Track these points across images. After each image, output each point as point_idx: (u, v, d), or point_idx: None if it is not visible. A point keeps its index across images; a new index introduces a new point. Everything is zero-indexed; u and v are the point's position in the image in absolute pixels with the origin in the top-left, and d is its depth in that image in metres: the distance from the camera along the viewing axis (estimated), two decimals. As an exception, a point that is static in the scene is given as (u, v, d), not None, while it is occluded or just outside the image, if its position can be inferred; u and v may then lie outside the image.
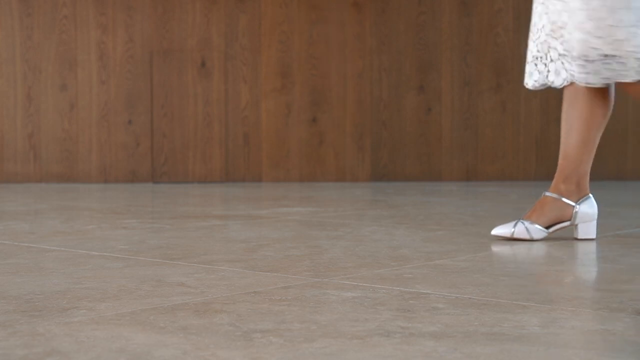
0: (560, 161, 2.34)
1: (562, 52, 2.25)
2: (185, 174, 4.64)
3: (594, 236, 2.30)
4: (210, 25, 4.63)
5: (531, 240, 2.26)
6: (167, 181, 4.63)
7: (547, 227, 2.29)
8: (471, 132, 4.69)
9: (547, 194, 2.30)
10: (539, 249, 2.12)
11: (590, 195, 2.32)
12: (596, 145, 2.36)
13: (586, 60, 2.22)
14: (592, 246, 2.17)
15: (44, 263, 1.91)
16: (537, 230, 2.27)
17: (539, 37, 2.32)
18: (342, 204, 3.26)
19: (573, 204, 2.29)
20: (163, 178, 4.63)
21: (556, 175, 2.33)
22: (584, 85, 2.25)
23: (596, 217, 2.32)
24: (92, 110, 4.60)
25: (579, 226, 2.29)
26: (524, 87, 4.70)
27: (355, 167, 4.68)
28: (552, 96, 4.70)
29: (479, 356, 1.12)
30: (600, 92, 2.31)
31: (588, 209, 2.29)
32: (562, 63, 2.26)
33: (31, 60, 4.59)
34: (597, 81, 2.23)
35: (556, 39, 2.26)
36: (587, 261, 1.92)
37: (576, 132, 2.32)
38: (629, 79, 2.20)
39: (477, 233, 2.44)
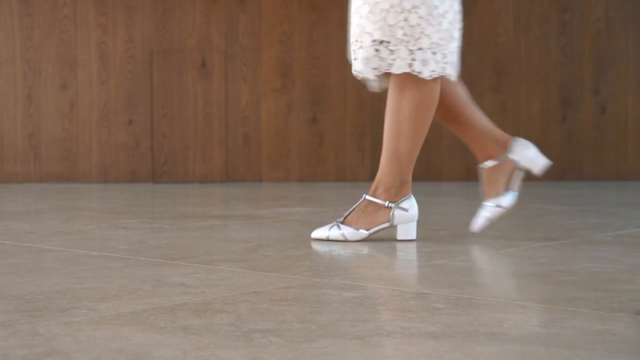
0: (381, 163, 2.30)
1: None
2: (185, 174, 4.64)
3: (413, 237, 2.27)
4: (210, 25, 4.63)
5: (346, 241, 2.25)
6: (167, 181, 4.63)
7: (368, 229, 2.26)
8: (471, 132, 4.69)
9: (367, 197, 2.27)
10: (539, 249, 2.12)
11: (412, 195, 2.29)
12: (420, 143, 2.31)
13: (360, 47, 2.19)
14: (592, 246, 2.17)
15: (44, 263, 1.91)
16: (355, 232, 2.25)
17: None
18: (342, 204, 3.26)
19: (391, 205, 2.26)
20: (163, 178, 4.64)
21: (376, 178, 2.29)
22: (358, 75, 2.21)
23: (416, 217, 2.28)
24: (92, 110, 4.61)
25: (398, 227, 2.27)
26: (524, 87, 4.70)
27: (355, 167, 4.68)
28: (552, 96, 4.70)
29: (479, 356, 1.12)
30: (425, 82, 2.23)
31: (407, 210, 2.26)
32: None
33: (31, 60, 4.59)
34: (367, 71, 2.18)
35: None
36: (586, 261, 1.92)
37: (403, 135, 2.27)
38: (395, 69, 2.16)
39: (477, 233, 2.44)
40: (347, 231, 2.25)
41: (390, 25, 2.16)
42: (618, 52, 4.70)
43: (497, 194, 2.32)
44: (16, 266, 1.87)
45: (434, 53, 2.21)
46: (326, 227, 2.28)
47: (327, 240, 2.25)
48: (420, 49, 2.18)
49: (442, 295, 1.51)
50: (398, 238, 2.26)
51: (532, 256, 2.00)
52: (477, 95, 4.70)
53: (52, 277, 1.71)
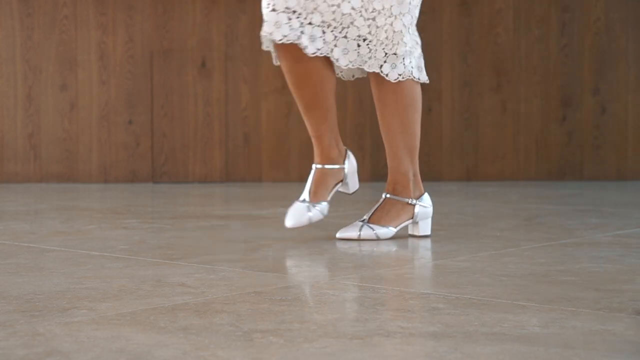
0: (391, 164, 2.35)
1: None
2: (185, 174, 4.64)
3: (430, 232, 2.36)
4: (211, 25, 4.63)
5: (377, 240, 2.28)
6: (167, 181, 4.64)
7: (395, 227, 2.32)
8: (471, 132, 4.69)
9: (389, 196, 2.32)
10: (539, 249, 2.12)
11: (425, 192, 2.38)
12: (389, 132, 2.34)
13: (344, 37, 2.22)
14: (592, 246, 2.18)
15: (44, 263, 1.91)
16: (386, 231, 2.30)
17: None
18: (342, 204, 3.26)
19: (414, 202, 2.33)
20: (163, 178, 4.64)
21: (390, 177, 2.35)
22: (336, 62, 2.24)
23: (431, 213, 2.37)
24: (93, 110, 4.61)
25: (420, 223, 2.35)
26: (524, 87, 4.70)
27: (355, 167, 4.67)
28: (552, 96, 4.70)
29: (479, 356, 1.12)
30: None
31: (426, 206, 2.35)
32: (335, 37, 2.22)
33: (31, 60, 4.59)
34: (343, 62, 2.24)
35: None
36: (586, 261, 1.92)
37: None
38: (367, 67, 2.26)
39: (477, 233, 2.44)
40: (380, 230, 2.28)
41: (378, 27, 2.22)
42: (618, 52, 4.70)
43: (322, 200, 2.30)
44: (16, 266, 1.87)
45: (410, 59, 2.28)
46: (354, 227, 2.29)
47: (359, 239, 2.26)
48: (394, 54, 2.25)
49: (442, 295, 1.51)
50: (420, 234, 2.34)
51: (532, 256, 2.00)
52: (477, 95, 4.71)
53: (52, 277, 1.71)
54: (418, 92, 2.33)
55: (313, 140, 2.33)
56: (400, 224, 2.32)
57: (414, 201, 2.33)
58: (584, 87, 4.70)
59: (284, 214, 2.32)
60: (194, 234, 2.44)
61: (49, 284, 1.63)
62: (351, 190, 2.38)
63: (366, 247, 2.16)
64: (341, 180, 2.35)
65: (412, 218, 2.33)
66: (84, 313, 1.37)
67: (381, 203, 2.32)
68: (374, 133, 4.64)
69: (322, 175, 2.32)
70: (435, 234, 2.41)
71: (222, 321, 1.32)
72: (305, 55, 2.21)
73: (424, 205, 2.35)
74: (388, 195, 2.33)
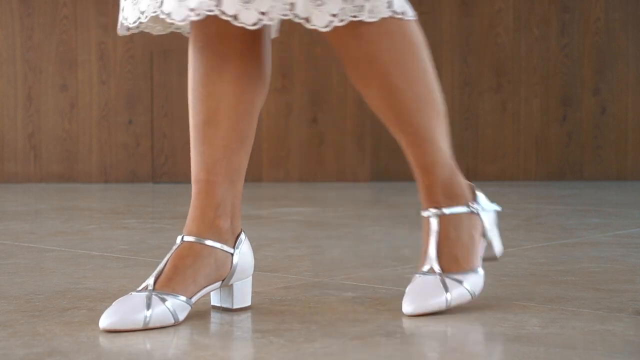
0: (420, 160, 1.52)
1: None
2: (186, 174, 4.64)
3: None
4: (211, 25, 4.63)
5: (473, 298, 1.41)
6: (167, 181, 4.63)
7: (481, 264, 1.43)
8: (471, 132, 4.69)
9: (445, 211, 1.41)
10: (539, 249, 2.12)
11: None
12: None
13: None
14: (592, 246, 2.17)
15: (44, 263, 1.91)
16: (476, 278, 1.41)
17: None
18: (342, 204, 3.26)
19: (476, 208, 1.44)
20: (163, 178, 4.64)
21: (424, 184, 1.46)
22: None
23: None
24: (93, 110, 4.61)
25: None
26: (524, 87, 4.70)
27: (355, 167, 4.67)
28: (552, 96, 4.70)
29: (479, 356, 1.12)
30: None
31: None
32: None
33: (31, 61, 4.59)
34: (321, 21, 1.34)
35: None
36: (586, 261, 1.92)
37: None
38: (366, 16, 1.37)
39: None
40: (470, 279, 1.38)
41: None
42: (618, 52, 4.70)
43: (179, 292, 1.31)
44: (16, 266, 1.87)
45: None
46: (430, 288, 1.36)
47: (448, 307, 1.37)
48: None
49: (442, 295, 1.51)
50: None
51: (532, 256, 2.00)
52: (477, 95, 4.71)
53: (52, 277, 1.71)
54: (415, 32, 1.50)
55: (195, 188, 1.36)
56: (482, 254, 1.43)
57: (477, 206, 1.42)
58: (584, 87, 4.70)
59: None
60: (194, 234, 2.44)
61: (49, 284, 1.63)
62: (235, 305, 1.38)
63: (365, 247, 2.16)
64: (222, 279, 1.35)
65: (483, 232, 1.42)
66: (84, 313, 1.37)
67: (435, 232, 1.40)
68: (374, 133, 4.64)
69: (191, 254, 1.32)
70: (435, 234, 2.40)
71: (222, 321, 1.32)
72: (229, 31, 1.40)
73: (487, 209, 1.44)
74: (444, 210, 1.40)
